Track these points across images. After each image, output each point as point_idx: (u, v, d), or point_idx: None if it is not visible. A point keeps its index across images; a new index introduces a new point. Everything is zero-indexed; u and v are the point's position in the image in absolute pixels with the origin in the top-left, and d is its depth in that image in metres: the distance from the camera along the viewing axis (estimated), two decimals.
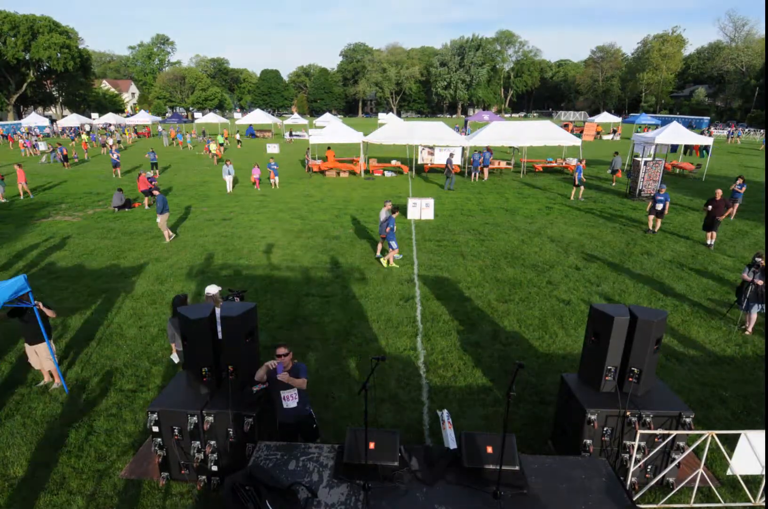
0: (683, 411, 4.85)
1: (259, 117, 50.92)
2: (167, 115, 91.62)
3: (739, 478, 5.01)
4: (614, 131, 53.69)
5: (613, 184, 23.58)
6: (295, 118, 56.93)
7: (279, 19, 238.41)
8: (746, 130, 61.66)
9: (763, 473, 4.88)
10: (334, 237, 14.36)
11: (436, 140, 25.36)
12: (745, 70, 79.15)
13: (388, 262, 11.84)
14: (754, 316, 8.53)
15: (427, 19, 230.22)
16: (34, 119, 54.16)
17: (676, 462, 4.92)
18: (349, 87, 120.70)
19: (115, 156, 25.34)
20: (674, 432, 4.81)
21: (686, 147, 33.96)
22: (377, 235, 14.56)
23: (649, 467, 5.05)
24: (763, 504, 4.93)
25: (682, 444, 4.93)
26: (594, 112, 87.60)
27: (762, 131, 59.71)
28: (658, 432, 4.79)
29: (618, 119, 56.54)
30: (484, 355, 7.78)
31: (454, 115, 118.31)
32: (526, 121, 31.61)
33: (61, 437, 5.90)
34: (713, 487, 4.99)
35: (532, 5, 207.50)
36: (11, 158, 34.19)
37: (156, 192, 14.34)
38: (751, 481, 5.18)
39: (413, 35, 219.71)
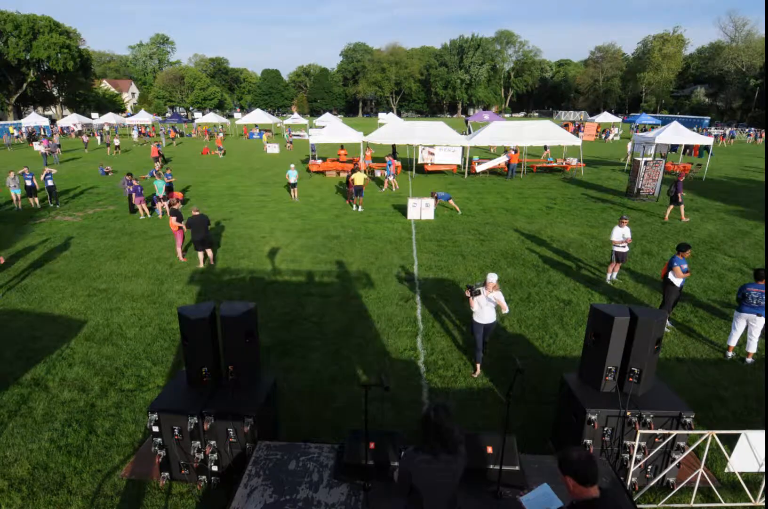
0: (683, 411, 4.85)
1: (259, 117, 50.88)
2: (167, 115, 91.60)
3: (740, 478, 5.01)
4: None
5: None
6: (295, 118, 56.91)
7: (279, 17, 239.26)
8: (745, 130, 61.61)
9: (762, 470, 4.88)
10: (334, 237, 14.36)
11: (437, 139, 25.36)
12: (745, 70, 79.06)
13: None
14: None
15: (426, 13, 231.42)
16: (34, 119, 54.04)
17: (676, 462, 4.92)
18: (349, 87, 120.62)
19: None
20: (674, 432, 4.81)
21: (686, 147, 33.91)
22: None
23: (650, 467, 5.05)
24: (763, 504, 4.93)
25: (682, 444, 4.93)
26: (594, 112, 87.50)
27: (752, 129, 59.86)
28: (659, 431, 4.79)
29: (618, 119, 56.36)
30: (484, 355, 7.76)
31: (454, 115, 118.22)
32: (527, 121, 31.55)
33: (61, 437, 5.90)
34: (713, 487, 4.98)
35: (533, 2, 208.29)
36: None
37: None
38: (752, 481, 5.18)
39: (413, 33, 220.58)
